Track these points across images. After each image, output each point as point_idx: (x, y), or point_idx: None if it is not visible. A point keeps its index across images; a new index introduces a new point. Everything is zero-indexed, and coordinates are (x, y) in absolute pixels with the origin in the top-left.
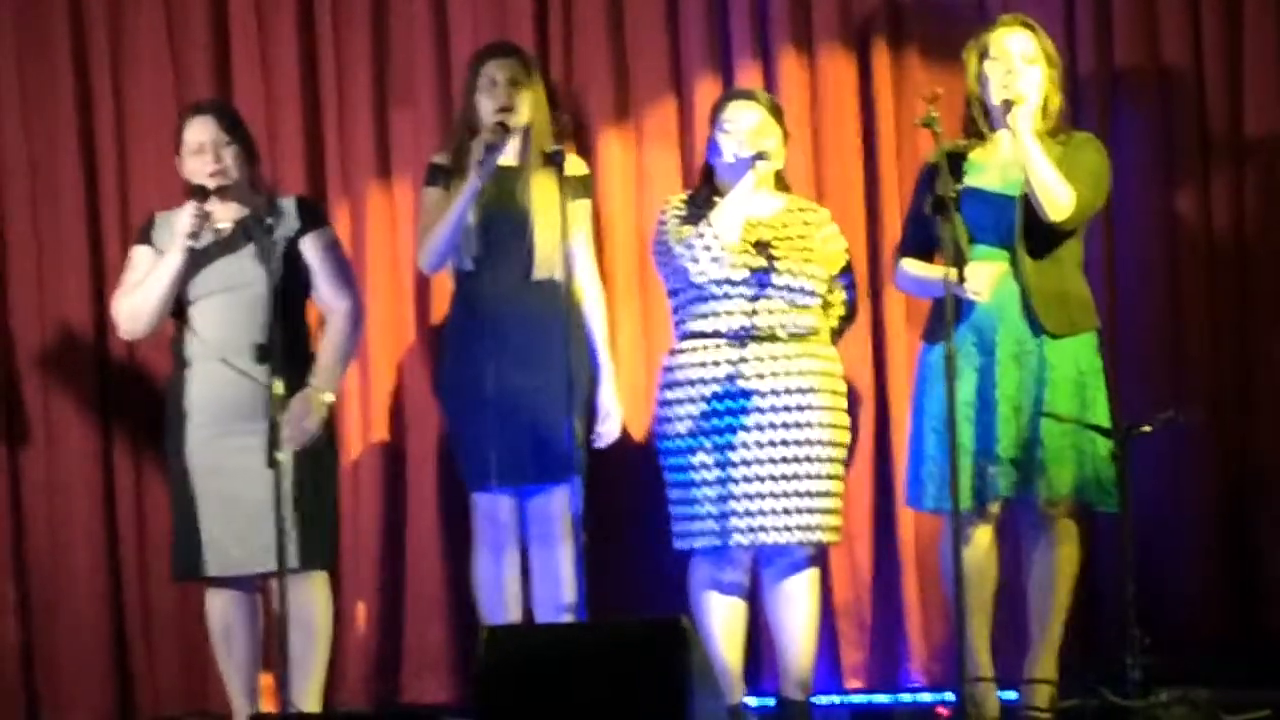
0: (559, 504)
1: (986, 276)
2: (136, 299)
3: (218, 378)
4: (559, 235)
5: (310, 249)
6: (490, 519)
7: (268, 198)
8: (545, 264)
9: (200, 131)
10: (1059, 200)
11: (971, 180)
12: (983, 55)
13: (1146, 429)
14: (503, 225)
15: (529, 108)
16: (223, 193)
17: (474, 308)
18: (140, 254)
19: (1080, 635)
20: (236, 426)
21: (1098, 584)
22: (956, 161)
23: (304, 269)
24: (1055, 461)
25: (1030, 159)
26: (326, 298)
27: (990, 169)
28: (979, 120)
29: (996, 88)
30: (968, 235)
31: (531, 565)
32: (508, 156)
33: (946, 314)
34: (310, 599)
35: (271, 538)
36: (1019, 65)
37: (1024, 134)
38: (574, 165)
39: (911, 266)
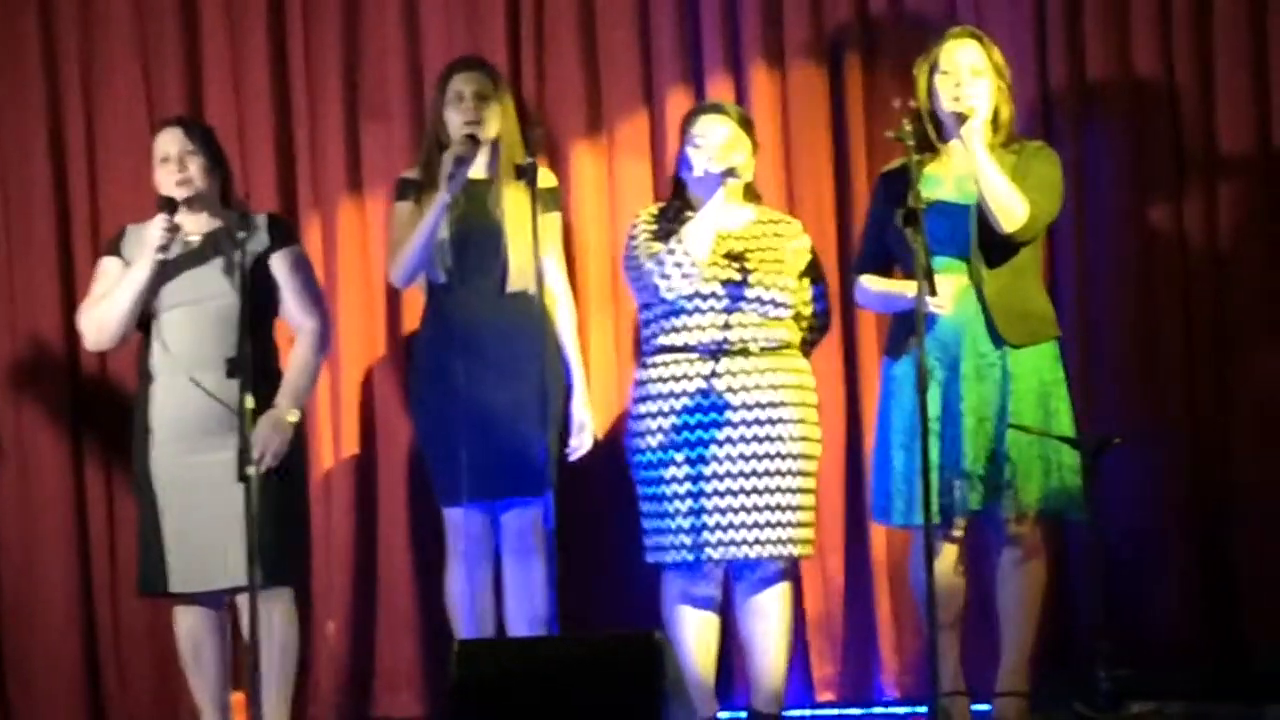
0: (532, 518)
1: (950, 289)
2: (102, 310)
3: (182, 392)
4: (532, 248)
5: (280, 266)
6: (463, 533)
7: (240, 212)
8: (519, 277)
9: (167, 143)
10: (1013, 211)
11: (927, 193)
12: (932, 69)
13: (1117, 441)
14: (475, 239)
15: (497, 121)
16: (192, 205)
17: (447, 321)
18: (108, 265)
19: (1053, 647)
20: (201, 442)
21: (1071, 596)
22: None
23: (273, 286)
24: (1022, 474)
25: (982, 171)
26: (294, 316)
27: (945, 182)
28: (931, 133)
29: (947, 100)
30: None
31: (506, 580)
32: (478, 170)
33: (918, 325)
34: (274, 616)
35: (234, 554)
36: (967, 78)
37: (975, 147)
38: (542, 177)
39: (872, 283)
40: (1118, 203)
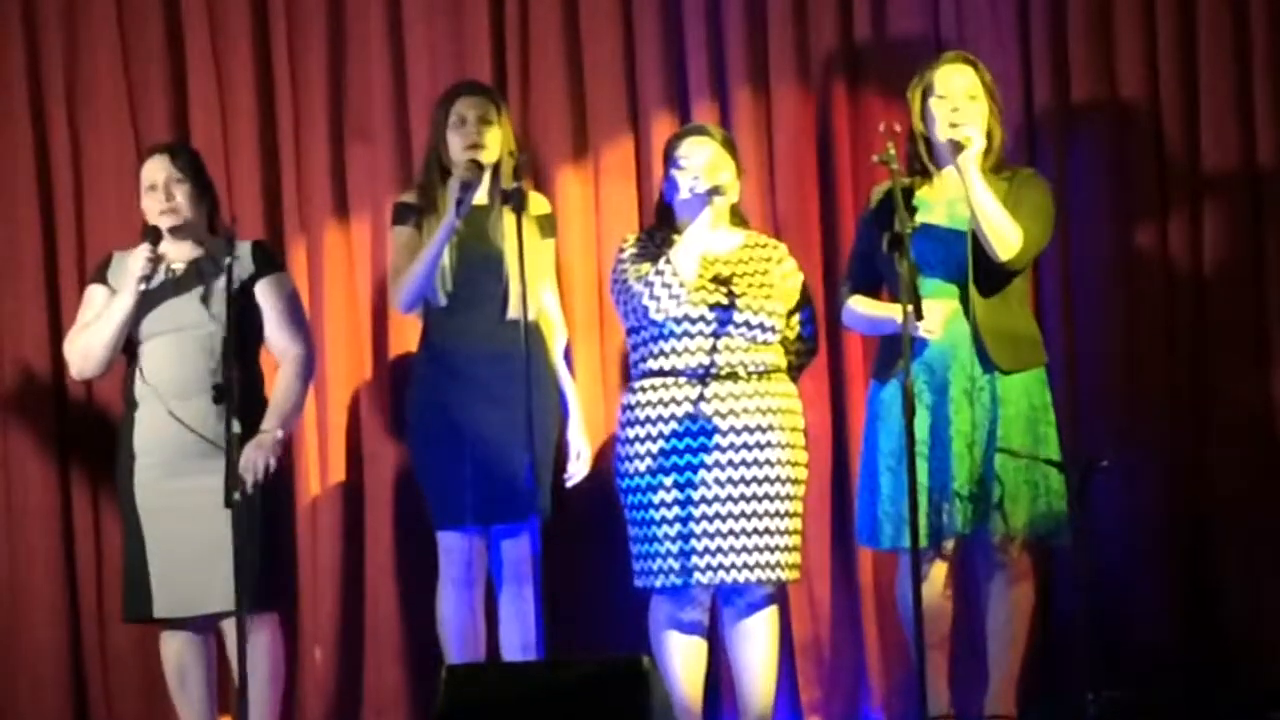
0: (529, 543)
1: (940, 314)
2: (86, 339)
3: (165, 419)
4: (534, 274)
5: (264, 294)
6: (456, 558)
7: (224, 240)
8: (520, 303)
9: (154, 170)
10: (1008, 240)
11: (919, 217)
12: (926, 92)
13: (1103, 464)
14: (476, 264)
15: (498, 145)
16: (177, 233)
17: (445, 346)
18: (95, 293)
19: (1040, 670)
20: (185, 466)
21: (1058, 618)
22: (904, 199)
23: (257, 314)
24: (1010, 497)
25: (979, 201)
26: (278, 343)
27: (937, 206)
28: (924, 157)
29: (943, 125)
30: (917, 271)
31: (501, 605)
32: (479, 195)
33: (904, 350)
34: (259, 641)
35: (220, 579)
36: (964, 102)
37: (973, 177)
38: (538, 204)
39: (861, 305)
40: (1102, 224)
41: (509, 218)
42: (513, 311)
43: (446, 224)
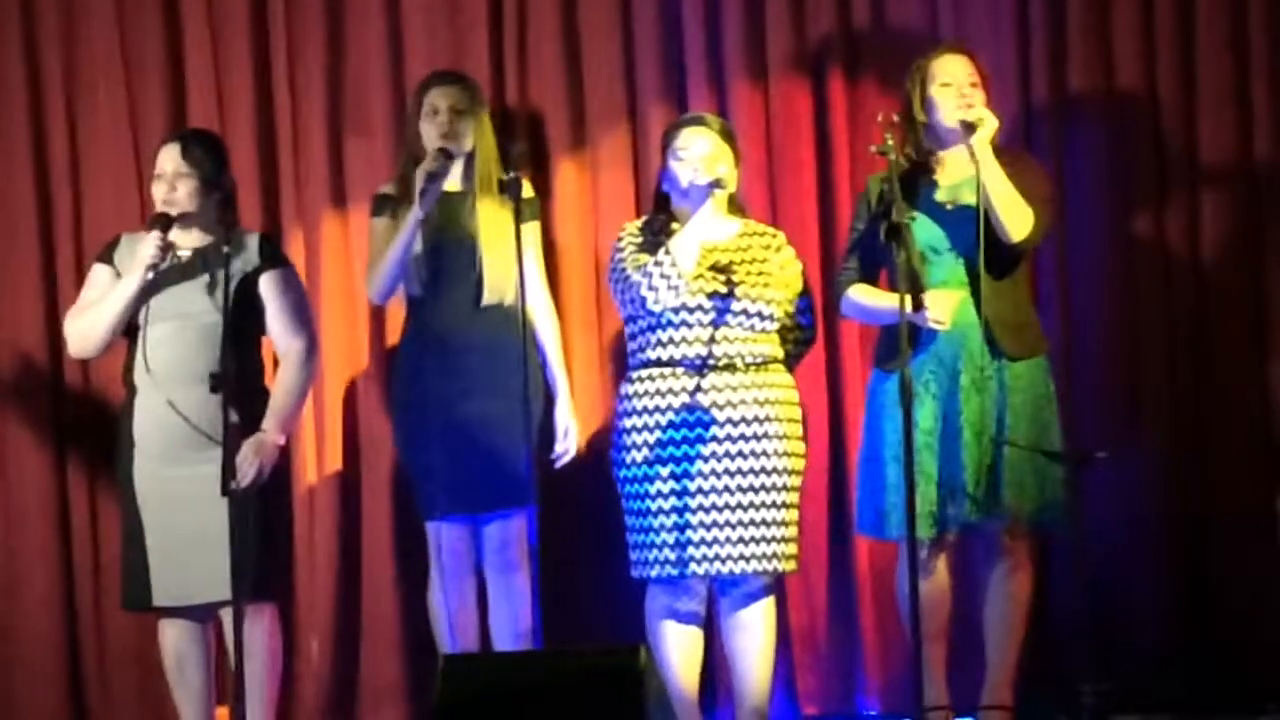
0: (515, 531)
1: (948, 305)
2: (88, 320)
3: (165, 406)
4: (509, 260)
5: (268, 286)
6: (445, 547)
7: (229, 230)
8: (494, 290)
9: (164, 160)
10: (1020, 220)
11: (925, 202)
12: (925, 80)
13: (1100, 455)
14: (450, 252)
15: (472, 135)
16: (184, 221)
17: (424, 335)
18: (99, 273)
19: (1038, 661)
20: (185, 455)
21: (1055, 610)
22: (912, 184)
23: (260, 305)
24: (1018, 485)
25: (994, 182)
26: (281, 337)
27: (941, 191)
28: (925, 144)
29: (952, 109)
30: (922, 259)
31: (489, 593)
32: (452, 182)
33: (902, 342)
34: (256, 631)
35: (218, 568)
36: (970, 89)
37: (988, 158)
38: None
39: (861, 294)
40: (1099, 217)
41: (485, 205)
42: (488, 298)
43: (413, 215)
